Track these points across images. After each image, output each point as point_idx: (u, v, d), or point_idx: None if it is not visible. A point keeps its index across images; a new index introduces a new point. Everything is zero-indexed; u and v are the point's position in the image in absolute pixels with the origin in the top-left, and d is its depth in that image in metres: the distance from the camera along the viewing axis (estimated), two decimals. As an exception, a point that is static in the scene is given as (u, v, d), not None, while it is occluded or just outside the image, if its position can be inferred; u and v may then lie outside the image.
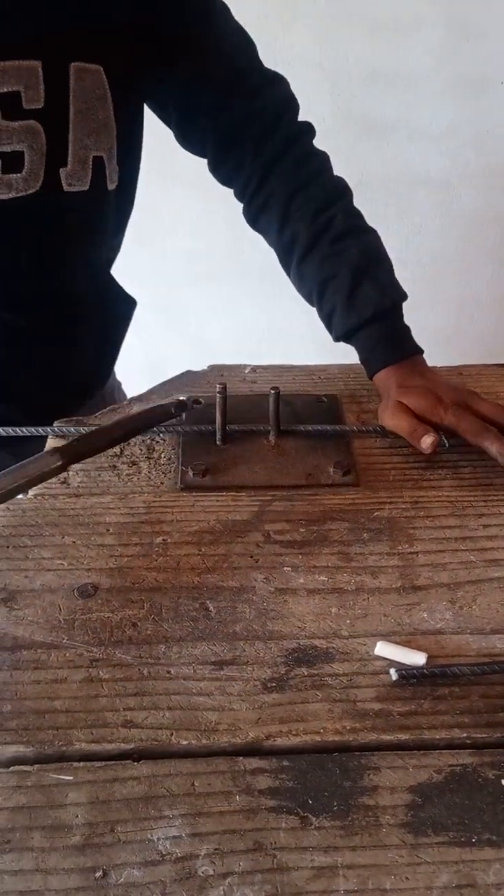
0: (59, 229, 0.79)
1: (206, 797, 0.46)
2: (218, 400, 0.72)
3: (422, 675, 0.52)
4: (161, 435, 0.76)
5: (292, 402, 0.79)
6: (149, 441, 0.75)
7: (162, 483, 0.70)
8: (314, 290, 0.81)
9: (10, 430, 0.74)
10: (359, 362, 0.87)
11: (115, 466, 0.72)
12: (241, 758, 0.48)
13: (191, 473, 0.70)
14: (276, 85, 0.83)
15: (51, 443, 0.75)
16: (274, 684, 0.52)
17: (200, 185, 1.71)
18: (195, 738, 0.49)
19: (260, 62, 0.83)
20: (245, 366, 0.87)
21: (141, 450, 0.74)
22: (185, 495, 0.68)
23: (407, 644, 0.54)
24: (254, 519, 0.66)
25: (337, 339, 0.81)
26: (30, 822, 0.45)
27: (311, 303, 0.83)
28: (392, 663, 0.53)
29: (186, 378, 0.85)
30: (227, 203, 0.91)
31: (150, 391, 0.84)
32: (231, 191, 0.89)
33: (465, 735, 0.49)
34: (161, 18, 0.76)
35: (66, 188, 0.75)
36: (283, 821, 0.45)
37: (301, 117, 0.86)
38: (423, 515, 0.66)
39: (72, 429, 0.75)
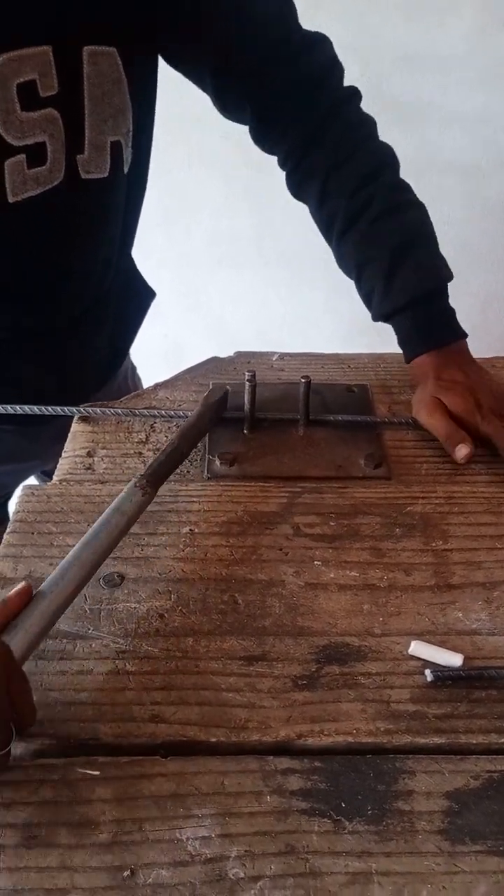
0: (80, 219, 0.76)
1: (236, 797, 0.45)
2: (247, 388, 0.71)
3: (458, 677, 0.51)
4: (187, 422, 0.74)
5: (322, 391, 0.77)
6: (175, 428, 0.74)
7: (188, 472, 0.69)
8: (353, 270, 0.79)
9: (39, 409, 0.73)
10: (389, 351, 0.85)
11: (140, 453, 0.70)
12: (271, 757, 0.47)
13: (218, 462, 0.69)
14: (317, 49, 0.79)
15: (76, 426, 0.73)
16: (305, 682, 0.51)
17: (223, 168, 1.70)
18: (224, 736, 0.48)
19: (298, 25, 0.78)
20: (272, 353, 0.85)
21: (167, 437, 0.73)
22: (212, 484, 0.67)
23: (441, 644, 0.53)
24: (283, 511, 0.64)
25: (376, 320, 0.79)
26: (56, 817, 0.43)
27: (351, 278, 0.81)
28: (427, 664, 0.52)
29: (212, 364, 0.84)
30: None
31: (176, 377, 0.82)
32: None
33: (503, 741, 0.47)
34: None
35: (83, 176, 0.73)
36: (315, 824, 0.43)
37: None
38: (458, 511, 0.64)
39: (98, 410, 0.74)
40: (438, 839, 0.43)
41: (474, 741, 0.47)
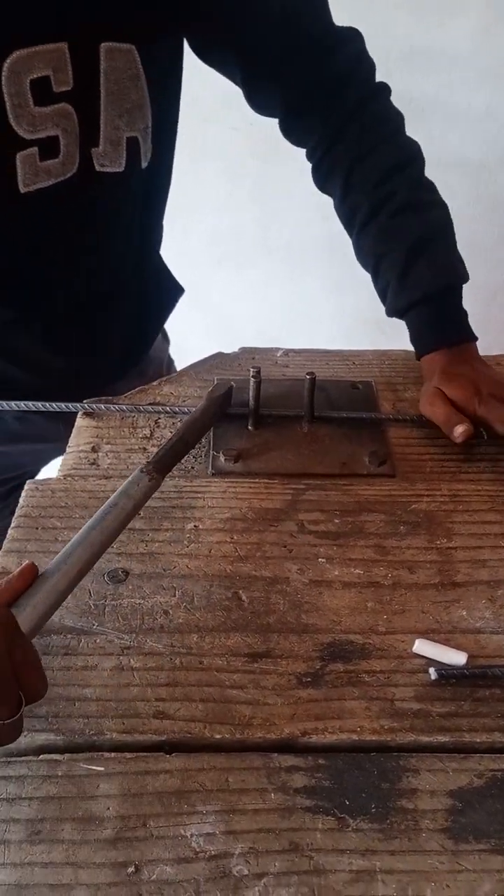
0: (93, 211, 0.76)
1: (241, 794, 0.45)
2: (252, 384, 0.70)
3: (462, 676, 0.51)
4: (192, 418, 0.74)
5: (326, 387, 0.77)
6: (179, 424, 0.73)
7: (193, 467, 0.69)
8: (370, 263, 0.79)
9: (41, 405, 0.73)
10: (394, 349, 0.85)
11: (145, 448, 0.70)
12: (275, 754, 0.47)
13: (222, 458, 0.69)
14: (347, 44, 0.78)
15: (80, 422, 0.73)
16: (309, 679, 0.51)
17: (226, 161, 1.69)
18: (229, 732, 0.48)
19: (329, 20, 0.78)
20: (277, 349, 0.85)
21: (171, 432, 0.72)
22: (216, 480, 0.67)
23: (445, 642, 0.53)
24: (287, 507, 0.64)
25: (390, 316, 0.79)
26: (60, 813, 0.44)
27: (368, 272, 0.81)
28: (431, 662, 0.52)
29: (217, 360, 0.84)
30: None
31: (180, 373, 0.82)
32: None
33: (507, 739, 0.47)
34: None
35: (98, 168, 0.73)
36: (319, 821, 0.43)
37: None
38: (462, 509, 0.64)
39: (102, 406, 0.74)
40: (442, 837, 0.43)
41: (478, 740, 0.47)
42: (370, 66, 0.80)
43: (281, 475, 0.68)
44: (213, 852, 0.42)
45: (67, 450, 0.70)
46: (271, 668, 0.51)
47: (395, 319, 0.81)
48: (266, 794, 0.45)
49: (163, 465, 0.59)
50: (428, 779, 0.46)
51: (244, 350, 0.85)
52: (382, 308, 0.81)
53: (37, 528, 0.61)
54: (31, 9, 0.63)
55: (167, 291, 0.97)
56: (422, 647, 0.52)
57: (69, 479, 0.66)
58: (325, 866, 0.42)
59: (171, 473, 0.67)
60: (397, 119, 0.80)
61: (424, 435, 0.72)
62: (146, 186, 0.81)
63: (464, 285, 0.78)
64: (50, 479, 0.67)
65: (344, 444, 0.71)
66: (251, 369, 0.70)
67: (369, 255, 0.79)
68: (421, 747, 0.47)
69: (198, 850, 0.42)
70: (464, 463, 0.69)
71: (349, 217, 0.80)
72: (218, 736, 0.47)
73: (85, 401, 0.75)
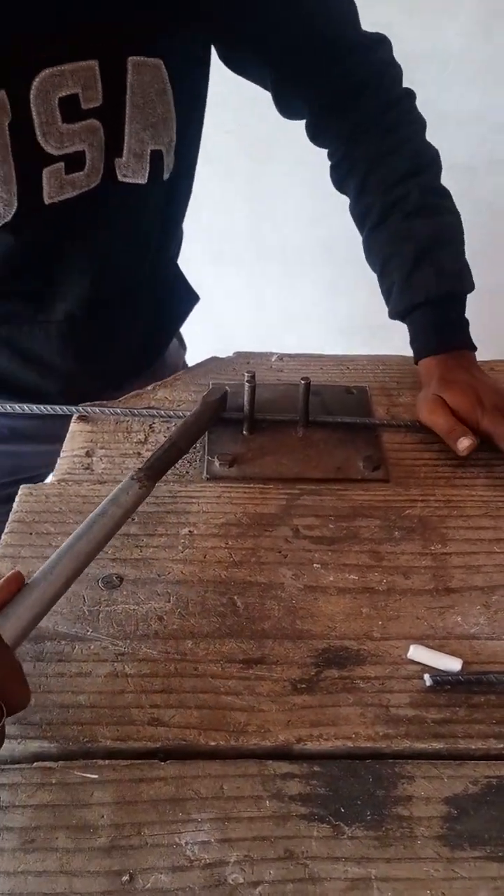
0: (113, 219, 0.77)
1: (236, 801, 0.44)
2: (246, 389, 0.70)
3: (457, 682, 0.51)
4: (186, 422, 0.74)
5: (321, 392, 0.77)
6: (173, 429, 0.73)
7: (187, 472, 0.69)
8: (377, 264, 0.80)
9: (38, 408, 0.73)
10: (389, 353, 0.85)
11: (139, 453, 0.70)
12: (270, 761, 0.47)
13: (217, 463, 0.69)
14: (375, 50, 0.79)
15: (75, 426, 0.73)
16: (304, 686, 0.51)
17: (220, 162, 1.69)
18: (223, 739, 0.47)
19: (357, 27, 0.78)
20: (271, 354, 0.85)
21: (165, 437, 0.72)
22: (210, 485, 0.67)
23: (440, 649, 0.53)
24: (282, 513, 0.64)
25: (392, 318, 0.80)
26: (54, 821, 0.43)
27: (376, 273, 0.82)
28: (426, 668, 0.52)
29: (211, 365, 0.84)
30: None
31: (175, 377, 0.82)
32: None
33: (501, 746, 0.47)
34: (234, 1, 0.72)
35: (120, 178, 0.74)
36: (314, 829, 0.43)
37: None
38: (457, 515, 0.64)
39: (97, 409, 0.74)
40: (437, 845, 0.43)
41: (473, 746, 0.47)
42: (396, 72, 0.81)
43: (276, 480, 0.67)
44: (207, 860, 0.42)
45: (62, 454, 0.70)
46: (266, 674, 0.51)
47: (389, 324, 0.81)
48: (261, 801, 0.44)
49: (154, 471, 0.59)
50: (423, 786, 0.45)
51: (239, 354, 0.85)
52: (377, 312, 0.81)
53: (30, 534, 0.61)
54: (60, 27, 0.64)
55: (182, 299, 0.98)
56: (416, 653, 0.52)
57: (63, 483, 0.66)
58: (321, 874, 0.41)
59: (165, 478, 0.67)
60: (418, 125, 0.82)
61: (419, 440, 0.72)
62: (166, 197, 0.82)
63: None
64: (44, 484, 0.67)
65: (338, 449, 0.71)
66: (246, 374, 0.70)
67: (377, 256, 0.80)
68: (416, 754, 0.47)
69: (193, 858, 0.42)
70: (458, 468, 0.69)
71: (361, 217, 0.81)
72: (213, 743, 0.47)
73: (80, 405, 0.75)
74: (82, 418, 0.74)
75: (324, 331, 1.84)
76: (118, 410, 0.74)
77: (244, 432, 0.72)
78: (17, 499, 0.64)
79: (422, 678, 0.51)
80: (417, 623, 0.55)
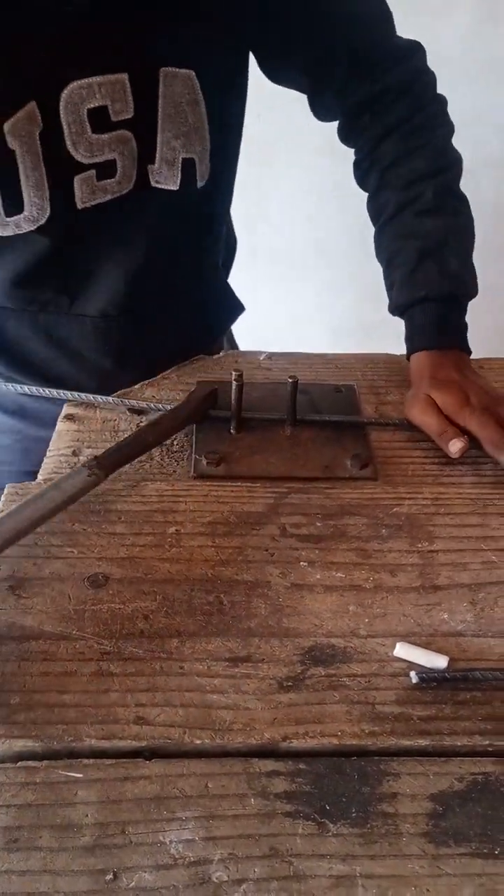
0: (148, 224, 0.79)
1: (220, 799, 0.44)
2: (234, 387, 0.70)
3: (443, 679, 0.50)
4: (174, 421, 0.74)
5: (309, 391, 0.77)
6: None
7: (175, 471, 0.68)
8: (384, 258, 0.81)
9: (39, 390, 0.77)
10: (377, 352, 0.85)
11: (126, 452, 0.70)
12: (255, 759, 0.46)
13: (204, 462, 0.68)
14: (409, 58, 0.81)
15: (61, 425, 0.73)
16: (290, 684, 0.51)
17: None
18: (209, 738, 0.47)
19: (391, 35, 0.80)
20: (260, 352, 0.85)
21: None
22: (198, 484, 0.67)
23: (427, 646, 0.53)
24: (269, 511, 0.64)
25: (391, 313, 0.80)
26: (38, 820, 0.43)
27: (382, 267, 0.83)
28: (412, 665, 0.52)
29: (199, 363, 0.83)
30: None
31: (163, 375, 0.82)
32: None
33: (487, 743, 0.47)
34: (267, 11, 0.73)
35: (153, 184, 0.76)
36: (299, 826, 0.43)
37: None
38: (444, 513, 0.64)
39: (90, 396, 0.75)
40: (422, 842, 0.43)
41: (459, 743, 0.47)
42: (429, 79, 0.83)
43: (263, 479, 0.67)
44: (192, 858, 0.42)
45: (48, 453, 0.70)
46: (252, 672, 0.51)
47: (379, 324, 0.81)
48: (246, 799, 0.44)
49: (109, 462, 0.59)
50: (408, 783, 0.45)
51: (227, 353, 0.85)
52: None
53: (16, 533, 0.60)
54: (90, 41, 0.66)
55: (224, 306, 0.99)
56: (403, 650, 0.52)
57: (49, 483, 0.66)
58: (305, 871, 0.41)
59: (151, 478, 0.67)
60: (445, 129, 0.83)
61: (407, 438, 0.72)
62: (202, 205, 0.83)
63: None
64: (30, 483, 0.66)
65: (326, 448, 0.71)
66: (233, 372, 0.70)
67: (385, 251, 0.81)
68: (402, 751, 0.47)
69: (177, 856, 0.42)
70: (446, 466, 0.69)
71: (376, 213, 0.83)
72: (198, 741, 0.47)
73: (69, 400, 0.75)
74: (69, 417, 0.74)
75: (320, 332, 1.84)
76: (111, 399, 0.75)
77: (232, 431, 0.72)
78: (2, 498, 0.64)
79: (408, 675, 0.51)
80: (404, 620, 0.55)
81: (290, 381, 0.70)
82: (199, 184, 0.78)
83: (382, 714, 0.49)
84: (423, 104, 0.82)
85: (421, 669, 0.51)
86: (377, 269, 0.83)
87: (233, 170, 0.87)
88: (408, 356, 0.78)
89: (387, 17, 0.80)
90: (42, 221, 0.73)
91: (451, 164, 0.82)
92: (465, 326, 0.78)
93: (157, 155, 0.74)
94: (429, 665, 0.51)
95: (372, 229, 0.85)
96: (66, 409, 0.75)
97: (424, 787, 0.45)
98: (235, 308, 1.00)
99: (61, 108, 0.67)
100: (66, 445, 0.70)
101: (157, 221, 0.79)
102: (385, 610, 0.56)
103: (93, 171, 0.72)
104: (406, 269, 0.77)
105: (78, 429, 0.73)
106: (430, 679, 0.50)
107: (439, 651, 0.52)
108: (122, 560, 0.59)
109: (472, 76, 1.52)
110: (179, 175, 0.76)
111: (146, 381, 0.80)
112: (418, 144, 0.80)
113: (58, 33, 0.64)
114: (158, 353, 0.86)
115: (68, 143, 0.69)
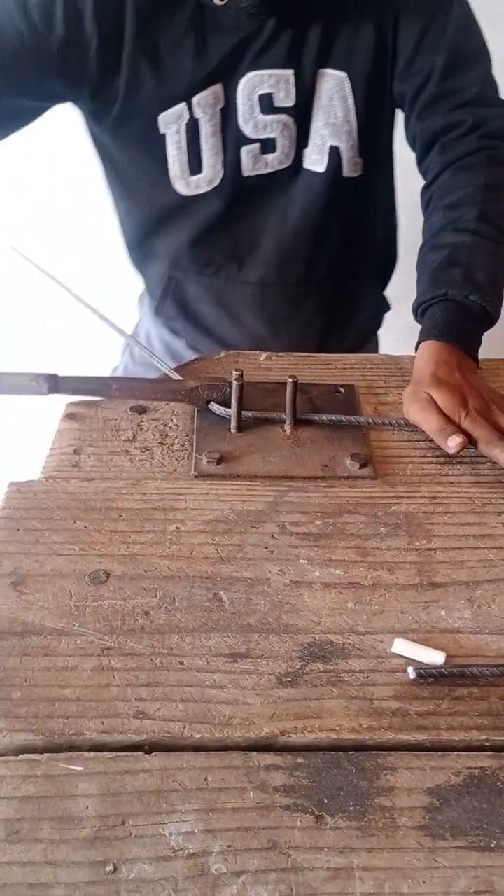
0: (299, 201, 0.93)
1: (220, 792, 0.45)
2: (234, 387, 0.71)
3: (440, 675, 0.51)
4: (175, 421, 0.75)
5: (308, 391, 0.78)
6: (162, 427, 0.74)
7: (175, 470, 0.69)
8: (419, 268, 0.84)
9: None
10: (376, 353, 0.86)
11: (127, 451, 0.71)
12: (254, 753, 0.47)
13: (205, 461, 0.69)
14: (495, 118, 0.88)
15: (63, 424, 0.73)
16: (289, 679, 0.51)
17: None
18: (208, 732, 0.48)
19: (485, 83, 0.89)
20: (260, 353, 0.85)
21: (154, 435, 0.73)
22: (198, 483, 0.67)
23: (424, 642, 0.53)
24: (269, 509, 0.64)
25: (414, 314, 0.82)
26: (39, 812, 0.44)
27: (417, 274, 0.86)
28: (409, 661, 0.52)
29: (200, 363, 0.84)
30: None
31: (163, 375, 0.82)
32: None
33: (483, 737, 0.48)
34: (402, 38, 0.86)
35: (305, 165, 0.92)
36: (297, 819, 0.44)
37: None
38: (442, 511, 0.64)
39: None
40: (419, 835, 0.43)
41: (456, 738, 0.48)
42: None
43: (263, 477, 0.68)
44: (191, 850, 0.42)
45: (49, 452, 0.70)
46: (251, 668, 0.52)
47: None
48: (245, 792, 0.45)
49: (65, 382, 0.67)
50: (406, 777, 0.46)
51: (228, 354, 0.86)
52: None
53: (18, 530, 0.61)
54: (268, 42, 0.83)
55: (364, 298, 1.08)
56: (401, 646, 0.53)
57: (51, 481, 0.66)
58: (303, 864, 0.42)
59: (152, 476, 0.67)
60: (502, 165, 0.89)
61: (405, 438, 0.73)
62: (349, 195, 0.94)
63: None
64: (32, 481, 0.67)
65: (326, 447, 0.72)
66: (234, 372, 0.70)
67: (421, 263, 0.84)
68: (399, 746, 0.48)
69: (176, 848, 0.42)
70: (444, 465, 0.70)
71: (425, 234, 0.88)
72: (198, 735, 0.48)
73: (68, 403, 0.75)
74: (70, 416, 0.74)
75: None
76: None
77: (232, 430, 0.73)
78: (4, 495, 0.64)
79: (406, 671, 0.51)
80: (402, 617, 0.56)
81: (290, 381, 0.71)
82: (345, 173, 0.92)
83: (380, 709, 0.49)
84: (490, 145, 0.88)
85: (419, 665, 0.52)
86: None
87: (387, 168, 1.00)
88: (416, 347, 0.78)
89: (483, 61, 0.89)
90: (216, 183, 0.90)
91: (500, 197, 0.85)
92: (478, 340, 0.79)
93: (310, 141, 0.90)
94: (426, 661, 0.52)
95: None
96: (67, 409, 0.76)
97: (421, 781, 0.46)
98: (380, 305, 1.10)
99: (238, 91, 0.85)
100: (67, 444, 0.71)
101: (306, 200, 0.93)
102: (383, 607, 0.56)
103: (257, 145, 0.89)
104: (433, 270, 0.80)
105: (79, 428, 0.73)
106: (427, 675, 0.51)
107: (437, 647, 0.53)
108: (123, 557, 0.59)
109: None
110: (326, 159, 0.90)
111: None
112: (473, 178, 0.86)
113: (244, 34, 0.82)
114: (301, 327, 0.98)
115: (240, 119, 0.87)
